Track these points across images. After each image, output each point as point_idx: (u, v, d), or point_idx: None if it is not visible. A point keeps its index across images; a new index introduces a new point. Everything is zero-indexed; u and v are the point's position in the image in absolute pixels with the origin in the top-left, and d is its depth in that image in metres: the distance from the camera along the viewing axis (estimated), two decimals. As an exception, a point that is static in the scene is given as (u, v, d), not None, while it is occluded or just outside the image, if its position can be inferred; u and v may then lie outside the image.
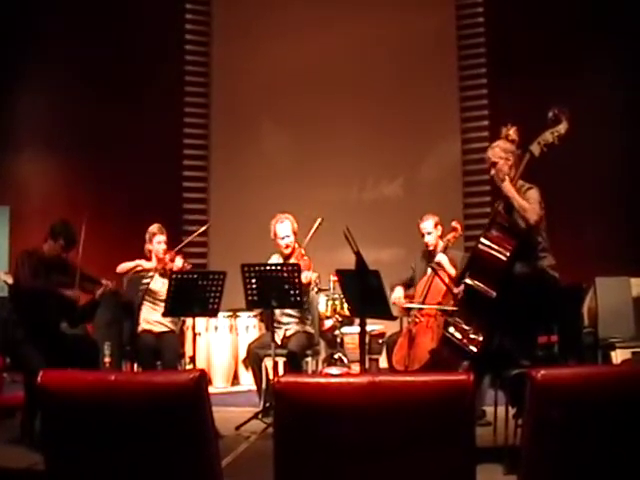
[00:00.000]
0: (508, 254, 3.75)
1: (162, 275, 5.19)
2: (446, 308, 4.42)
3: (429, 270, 5.05)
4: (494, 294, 3.71)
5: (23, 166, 7.90)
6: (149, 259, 5.35)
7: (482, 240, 3.85)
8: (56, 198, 7.64)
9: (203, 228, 5.87)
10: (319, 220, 5.07)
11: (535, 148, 3.90)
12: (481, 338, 3.72)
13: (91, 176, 7.88)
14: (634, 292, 5.97)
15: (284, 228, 5.20)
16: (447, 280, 4.59)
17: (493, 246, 3.79)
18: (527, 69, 7.41)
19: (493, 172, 4.00)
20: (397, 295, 5.14)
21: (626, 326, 5.74)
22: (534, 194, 3.88)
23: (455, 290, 4.09)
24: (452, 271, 4.92)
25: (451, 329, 3.84)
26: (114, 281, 5.00)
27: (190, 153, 8.50)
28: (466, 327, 3.79)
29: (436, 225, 5.21)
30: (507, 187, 3.87)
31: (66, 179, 7.97)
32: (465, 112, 8.20)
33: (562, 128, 3.90)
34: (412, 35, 8.19)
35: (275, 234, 5.23)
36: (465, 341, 3.76)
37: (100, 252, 6.17)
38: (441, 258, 5.02)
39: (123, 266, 5.32)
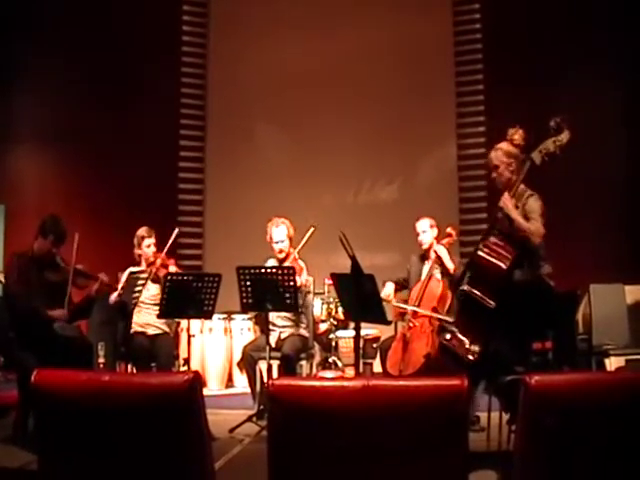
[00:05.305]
0: (508, 263, 3.68)
1: (154, 281, 5.16)
2: (441, 317, 4.41)
3: (424, 273, 5.04)
4: (493, 304, 3.65)
5: (18, 164, 7.90)
6: (139, 264, 5.31)
7: (481, 247, 3.77)
8: (52, 196, 7.61)
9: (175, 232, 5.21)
10: (311, 230, 5.05)
11: (536, 156, 3.81)
12: (478, 348, 3.68)
13: (87, 174, 7.87)
14: (628, 299, 5.97)
15: (279, 233, 5.21)
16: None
17: (492, 254, 3.72)
18: (524, 74, 7.42)
19: (494, 175, 3.93)
20: (387, 292, 5.05)
21: (620, 333, 5.73)
22: (536, 205, 3.79)
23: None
24: (451, 265, 4.91)
25: (447, 336, 3.81)
26: (109, 277, 4.95)
27: (186, 154, 8.48)
28: (462, 337, 3.74)
29: (432, 225, 5.14)
30: (505, 203, 3.77)
31: (62, 177, 7.95)
32: (461, 117, 8.21)
33: (564, 137, 3.81)
34: (410, 39, 8.20)
35: (271, 237, 5.24)
36: (462, 349, 3.72)
37: (95, 251, 6.18)
38: (439, 249, 4.99)
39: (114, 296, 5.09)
